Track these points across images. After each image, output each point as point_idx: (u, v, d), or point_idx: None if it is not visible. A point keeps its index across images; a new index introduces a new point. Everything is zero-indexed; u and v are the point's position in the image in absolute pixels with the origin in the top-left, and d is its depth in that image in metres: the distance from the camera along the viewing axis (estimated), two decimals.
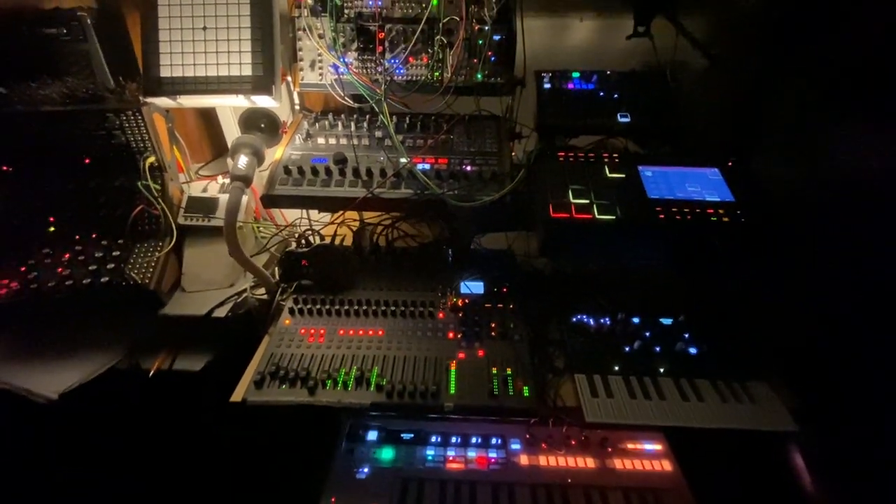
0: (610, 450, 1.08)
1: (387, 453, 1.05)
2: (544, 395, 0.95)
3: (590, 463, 1.05)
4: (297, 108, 1.40)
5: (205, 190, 1.37)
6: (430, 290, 1.17)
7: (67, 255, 1.16)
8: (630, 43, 1.54)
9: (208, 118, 1.77)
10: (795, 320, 1.02)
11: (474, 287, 1.18)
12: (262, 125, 1.70)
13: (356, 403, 0.91)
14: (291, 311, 1.10)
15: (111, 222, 1.21)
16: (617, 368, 1.02)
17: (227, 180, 1.40)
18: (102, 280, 1.11)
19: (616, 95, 1.40)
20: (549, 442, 1.08)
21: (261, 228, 1.40)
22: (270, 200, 1.15)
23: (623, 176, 1.15)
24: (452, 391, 0.93)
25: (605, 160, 1.20)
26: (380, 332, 1.06)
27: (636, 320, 1.12)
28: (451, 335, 1.05)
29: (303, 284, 1.17)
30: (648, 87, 1.40)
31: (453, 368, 0.97)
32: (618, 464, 1.05)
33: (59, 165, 1.22)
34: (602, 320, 1.11)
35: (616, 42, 1.60)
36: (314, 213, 1.38)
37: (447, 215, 1.22)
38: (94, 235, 1.20)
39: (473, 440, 1.08)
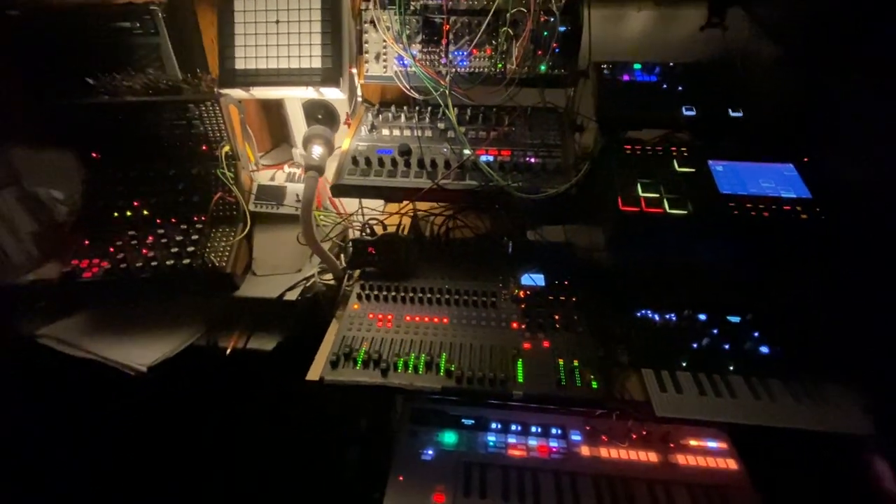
0: (672, 445, 1.08)
1: (449, 437, 1.09)
2: (611, 387, 0.96)
3: (652, 457, 1.06)
4: (360, 99, 1.43)
5: (272, 178, 1.42)
6: (491, 281, 1.19)
7: (151, 238, 1.23)
8: (688, 34, 1.50)
9: (268, 109, 1.83)
10: (875, 321, 0.98)
11: (535, 279, 1.19)
12: (320, 116, 1.76)
13: (427, 387, 0.94)
14: (359, 297, 1.14)
15: (190, 208, 1.28)
16: (684, 365, 1.02)
17: (293, 169, 1.45)
18: (184, 262, 1.18)
19: (680, 88, 1.36)
20: (609, 434, 1.09)
21: (321, 217, 1.45)
22: (340, 190, 1.19)
23: (693, 170, 1.14)
24: (521, 379, 0.95)
25: (674, 154, 1.18)
26: (444, 320, 1.09)
27: (703, 317, 1.10)
28: (514, 325, 1.07)
29: (368, 271, 1.21)
30: (715, 80, 1.36)
31: (520, 358, 0.99)
32: (680, 459, 1.06)
33: (142, 153, 1.30)
34: (667, 316, 1.11)
35: (674, 32, 1.56)
36: (368, 203, 1.41)
37: (509, 207, 1.23)
38: (173, 220, 1.28)
39: (534, 429, 1.11)
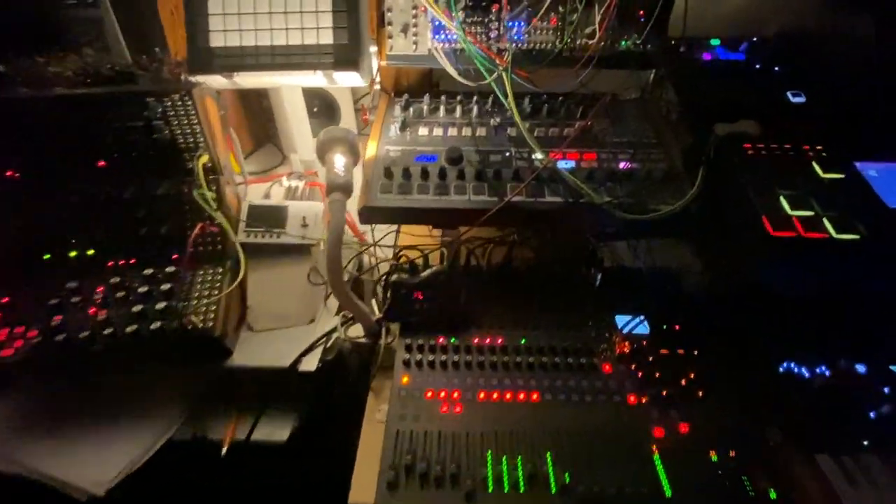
0: None
1: None
2: (789, 491, 0.68)
3: None
4: (378, 87, 1.09)
5: (267, 195, 1.07)
6: (579, 329, 0.89)
7: (101, 290, 0.87)
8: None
9: (245, 98, 1.46)
10: None
11: (635, 323, 0.90)
12: (315, 108, 1.40)
13: None
14: (407, 364, 0.82)
15: (155, 243, 0.92)
16: (866, 443, 0.75)
17: (293, 182, 1.10)
18: (152, 327, 0.83)
19: (777, 68, 1.09)
20: None
21: None
22: (371, 214, 0.86)
23: (841, 176, 0.86)
24: (668, 491, 0.66)
25: (810, 154, 0.90)
26: (534, 396, 0.78)
27: (861, 368, 0.84)
28: (632, 399, 0.78)
29: (412, 322, 0.89)
30: (829, 55, 1.10)
31: (656, 454, 0.70)
32: None
33: (82, 169, 0.93)
34: (818, 370, 0.84)
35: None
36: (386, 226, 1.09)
37: (602, 231, 0.93)
38: (133, 261, 0.91)
39: None
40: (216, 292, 0.88)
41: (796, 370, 0.83)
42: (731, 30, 1.20)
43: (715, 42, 1.15)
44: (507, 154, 0.93)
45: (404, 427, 0.73)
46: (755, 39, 1.14)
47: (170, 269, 0.90)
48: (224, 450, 0.83)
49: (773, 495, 0.66)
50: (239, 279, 0.88)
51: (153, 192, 0.92)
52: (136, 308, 0.84)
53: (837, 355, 0.84)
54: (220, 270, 0.92)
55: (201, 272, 0.92)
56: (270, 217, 1.00)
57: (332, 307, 1.01)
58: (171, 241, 0.91)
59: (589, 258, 0.97)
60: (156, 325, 0.83)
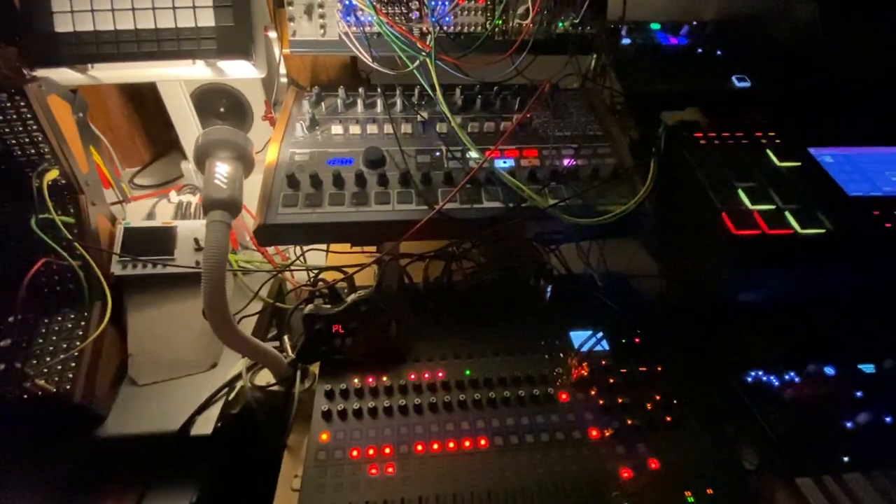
0: None
1: None
2: None
3: None
4: (284, 80, 0.93)
5: (151, 215, 0.88)
6: (530, 353, 0.77)
7: None
8: None
9: (139, 98, 1.25)
10: None
11: (594, 342, 0.79)
12: (222, 109, 1.22)
13: None
14: (327, 416, 0.67)
15: None
16: (846, 460, 0.68)
17: (185, 197, 0.92)
18: None
19: (720, 52, 1.04)
20: None
21: (241, 261, 0.94)
22: (270, 234, 0.70)
23: (797, 164, 0.80)
24: None
25: (763, 142, 0.83)
26: (481, 442, 0.65)
27: (830, 371, 0.78)
28: (594, 434, 0.66)
29: (333, 360, 0.74)
30: (773, 38, 1.05)
31: (625, 501, 0.59)
32: None
33: None
34: (787, 376, 0.77)
35: None
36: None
37: (548, 237, 0.82)
38: None
39: None
40: (77, 344, 0.69)
41: (765, 378, 0.76)
42: (670, 14, 1.14)
43: (655, 26, 1.08)
44: (437, 154, 0.80)
45: (322, 501, 0.58)
46: (695, 23, 1.07)
47: (11, 318, 0.70)
48: None
49: None
50: (102, 326, 0.69)
51: None
52: None
53: (805, 359, 0.77)
54: (84, 316, 0.73)
55: (58, 319, 0.72)
56: (154, 242, 0.81)
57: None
58: (13, 285, 0.71)
59: (537, 270, 0.86)
60: None
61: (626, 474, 0.62)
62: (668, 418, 0.69)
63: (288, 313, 0.80)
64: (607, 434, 0.67)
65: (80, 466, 0.69)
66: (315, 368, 0.75)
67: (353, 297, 0.73)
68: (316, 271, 0.81)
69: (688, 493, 0.60)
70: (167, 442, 0.68)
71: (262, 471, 0.70)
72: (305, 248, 0.93)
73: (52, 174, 0.72)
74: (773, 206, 0.72)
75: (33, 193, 0.70)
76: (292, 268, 0.88)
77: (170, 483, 0.70)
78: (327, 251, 0.96)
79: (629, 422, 0.68)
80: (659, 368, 0.76)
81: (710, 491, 0.61)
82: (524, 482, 0.61)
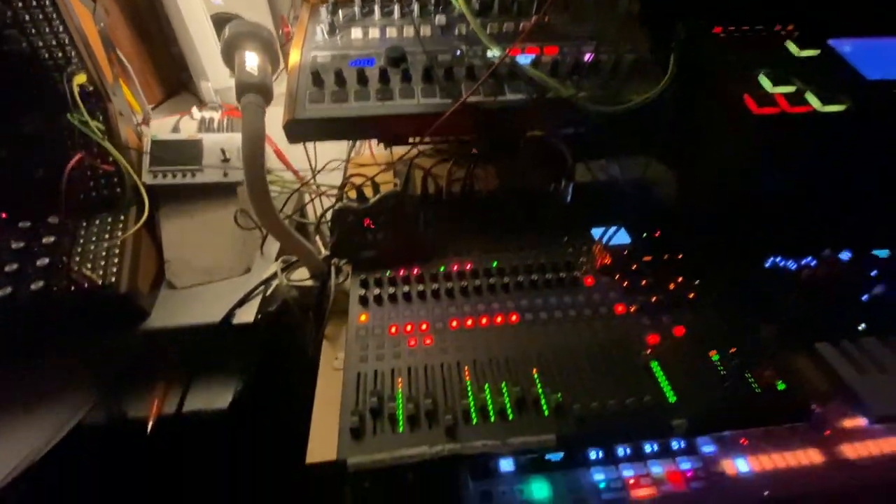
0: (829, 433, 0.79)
1: (539, 488, 0.70)
2: (796, 382, 0.63)
3: (815, 457, 0.76)
4: None
5: (176, 129, 0.89)
6: (552, 247, 0.80)
7: None
8: None
9: (148, 39, 1.24)
10: None
11: (615, 236, 0.81)
12: None
13: (536, 442, 0.54)
14: (364, 301, 0.70)
15: (28, 191, 0.73)
16: (862, 327, 0.71)
17: (207, 113, 0.93)
18: (32, 287, 0.65)
19: None
20: (748, 436, 0.77)
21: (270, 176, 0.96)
22: (300, 129, 0.71)
23: (817, 53, 0.80)
24: (672, 397, 0.59)
25: (783, 34, 0.83)
26: (512, 317, 0.68)
27: (845, 256, 0.80)
28: (620, 309, 0.69)
29: (365, 258, 0.76)
30: None
31: (653, 359, 0.62)
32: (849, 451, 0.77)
33: None
34: (804, 261, 0.79)
35: None
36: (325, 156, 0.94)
37: (570, 134, 0.83)
38: (3, 216, 0.73)
39: (648, 448, 0.76)
40: (118, 240, 0.72)
41: (782, 263, 0.78)
42: None
43: None
44: (458, 53, 0.80)
45: (366, 369, 0.62)
46: None
47: (52, 219, 0.72)
48: (149, 427, 0.68)
49: (781, 387, 0.60)
50: (140, 223, 0.72)
51: (16, 126, 0.72)
52: (10, 267, 0.66)
53: (821, 245, 0.79)
54: (121, 219, 0.75)
55: (96, 222, 0.74)
56: (182, 153, 0.83)
57: (270, 254, 0.87)
58: (52, 188, 0.73)
59: (558, 172, 0.87)
60: (37, 284, 0.65)
61: (652, 339, 0.65)
62: (692, 295, 0.72)
63: (319, 214, 0.82)
64: (632, 309, 0.70)
65: (130, 358, 0.73)
66: (347, 268, 0.78)
67: (380, 194, 0.75)
68: (345, 178, 0.83)
69: (712, 353, 0.63)
70: (211, 332, 0.71)
71: (301, 363, 0.74)
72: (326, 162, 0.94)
73: (81, 78, 0.73)
74: (793, 88, 0.72)
75: (64, 96, 0.71)
76: (319, 180, 0.89)
77: (214, 372, 0.73)
78: (347, 161, 0.97)
79: (654, 299, 0.71)
80: (680, 256, 0.78)
81: (733, 350, 0.64)
82: (552, 349, 0.64)
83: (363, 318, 0.68)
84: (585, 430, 0.56)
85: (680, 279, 0.74)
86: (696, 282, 0.73)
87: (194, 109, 0.92)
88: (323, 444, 0.59)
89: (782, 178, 0.76)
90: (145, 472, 0.71)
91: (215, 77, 0.96)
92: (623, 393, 0.58)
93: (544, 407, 0.57)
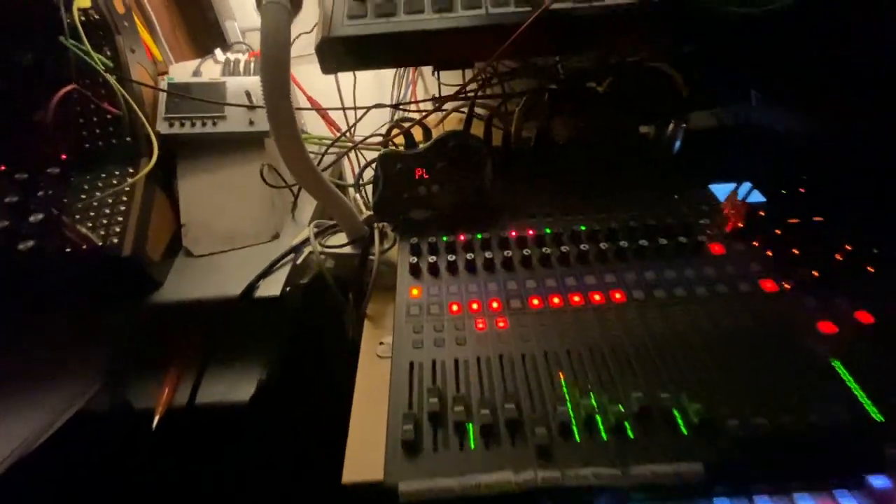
0: None
1: None
2: None
3: None
4: None
5: (197, 73, 0.77)
6: (661, 207, 0.61)
7: None
8: None
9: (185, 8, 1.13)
10: None
11: (744, 194, 0.61)
12: None
13: (673, 473, 0.37)
14: (415, 271, 0.54)
15: (25, 135, 0.62)
16: None
17: (232, 54, 0.80)
18: (21, 247, 0.54)
19: None
20: None
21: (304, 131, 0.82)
22: (337, 53, 0.56)
23: None
24: (877, 415, 0.39)
25: None
26: (616, 296, 0.50)
27: None
28: (768, 286, 0.50)
29: (415, 220, 0.60)
30: None
31: (836, 361, 0.43)
32: None
33: None
34: None
35: None
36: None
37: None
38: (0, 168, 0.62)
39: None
40: (123, 199, 0.59)
41: None
42: None
43: None
44: None
45: (421, 357, 0.46)
46: None
47: (53, 170, 0.61)
48: (155, 419, 0.56)
49: None
50: (143, 173, 0.59)
51: (11, 55, 0.61)
52: (1, 225, 0.55)
53: None
54: (130, 172, 0.63)
55: (102, 175, 0.63)
56: (203, 97, 0.70)
57: (302, 219, 0.73)
58: (50, 131, 0.61)
59: (666, 112, 0.67)
60: (26, 244, 0.54)
61: (827, 328, 0.45)
62: (871, 269, 0.51)
63: (359, 170, 0.67)
64: (787, 287, 0.50)
65: (136, 335, 0.61)
66: (394, 234, 0.63)
67: (437, 137, 0.59)
68: (395, 118, 0.67)
69: None
70: (230, 307, 0.58)
71: (337, 347, 0.59)
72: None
73: (84, 2, 0.61)
74: None
75: (63, 22, 0.59)
76: (356, 129, 0.74)
77: (234, 358, 0.60)
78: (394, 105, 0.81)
79: (814, 273, 0.51)
80: (830, 215, 0.57)
81: None
82: (679, 340, 0.46)
83: (415, 292, 0.52)
84: (751, 457, 0.37)
85: (847, 246, 0.54)
86: (875, 251, 0.53)
87: (218, 51, 0.79)
88: (364, 457, 0.44)
89: None
90: (149, 474, 0.59)
91: (242, 16, 0.83)
92: (800, 405, 0.39)
93: (679, 421, 0.39)
